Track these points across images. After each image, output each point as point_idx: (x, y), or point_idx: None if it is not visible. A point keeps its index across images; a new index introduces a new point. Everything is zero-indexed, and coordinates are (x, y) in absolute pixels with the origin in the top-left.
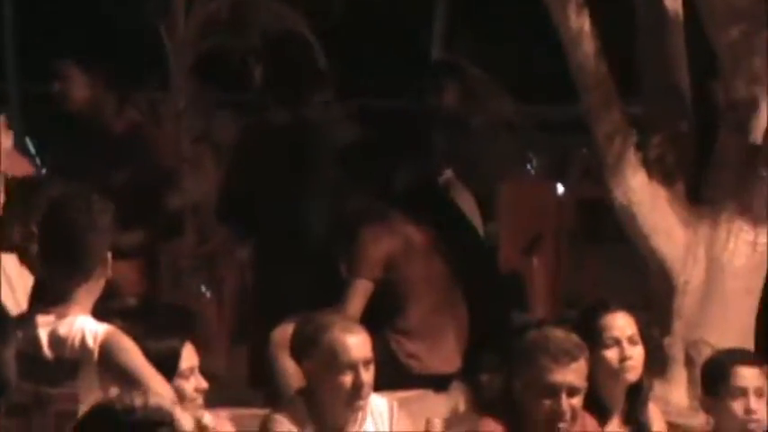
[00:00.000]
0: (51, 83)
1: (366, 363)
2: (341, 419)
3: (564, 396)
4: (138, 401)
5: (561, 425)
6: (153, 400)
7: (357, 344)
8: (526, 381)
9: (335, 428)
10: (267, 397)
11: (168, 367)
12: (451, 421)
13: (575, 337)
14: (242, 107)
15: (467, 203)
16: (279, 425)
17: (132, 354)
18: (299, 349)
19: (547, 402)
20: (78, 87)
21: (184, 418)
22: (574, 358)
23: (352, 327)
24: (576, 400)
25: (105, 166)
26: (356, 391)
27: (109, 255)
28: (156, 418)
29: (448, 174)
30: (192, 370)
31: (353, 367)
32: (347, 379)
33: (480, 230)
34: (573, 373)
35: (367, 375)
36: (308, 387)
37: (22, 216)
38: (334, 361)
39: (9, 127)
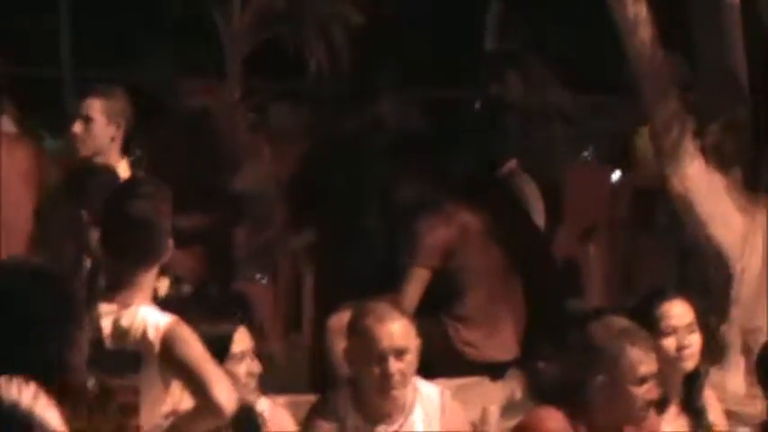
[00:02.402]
0: (106, 69)
1: (399, 352)
2: (381, 408)
3: (649, 385)
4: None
5: (642, 413)
6: (9, 398)
7: (388, 333)
8: (614, 373)
9: (380, 416)
10: (323, 383)
11: (220, 351)
12: (508, 409)
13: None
14: (299, 96)
15: (530, 193)
16: (318, 421)
17: (193, 346)
18: (347, 335)
19: (639, 392)
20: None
21: (50, 418)
22: (652, 348)
23: (389, 315)
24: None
25: (168, 152)
26: (386, 381)
27: (170, 242)
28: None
29: (512, 163)
30: (244, 354)
31: (382, 357)
32: (376, 368)
33: (541, 220)
34: (654, 364)
35: (400, 365)
36: (352, 374)
37: (74, 202)
38: (365, 349)
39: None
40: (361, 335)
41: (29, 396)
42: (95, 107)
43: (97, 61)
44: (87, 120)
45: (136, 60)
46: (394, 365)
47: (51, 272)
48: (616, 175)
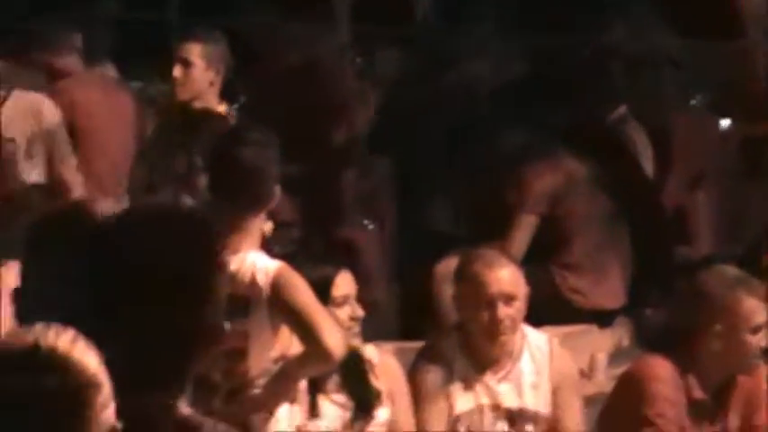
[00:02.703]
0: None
1: (507, 298)
2: (489, 354)
3: (762, 333)
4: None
5: (754, 361)
6: (46, 343)
7: (497, 279)
8: (730, 322)
9: (488, 362)
10: (431, 329)
11: (322, 295)
12: (615, 356)
13: None
14: (405, 42)
15: (639, 140)
16: (427, 367)
17: (302, 292)
18: (454, 282)
19: (754, 341)
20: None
21: (88, 362)
22: (765, 297)
23: (497, 261)
24: None
25: (275, 98)
26: (495, 326)
27: (277, 188)
28: (42, 363)
29: (621, 110)
30: (345, 298)
31: (491, 302)
32: (485, 314)
33: (650, 167)
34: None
35: (507, 310)
36: (460, 320)
37: (186, 147)
38: (474, 295)
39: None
40: (469, 280)
41: (66, 341)
42: (194, 51)
43: (204, 6)
44: (186, 63)
45: (242, 6)
46: (503, 311)
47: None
48: (725, 122)
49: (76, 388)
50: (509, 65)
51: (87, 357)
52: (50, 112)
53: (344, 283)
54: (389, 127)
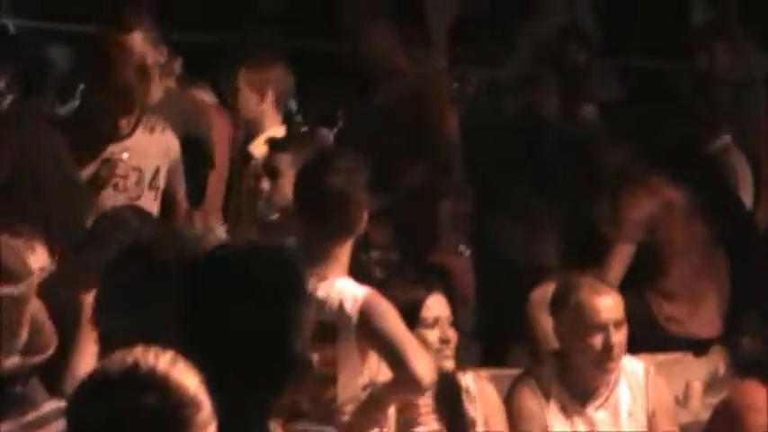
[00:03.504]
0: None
1: (617, 324)
2: (592, 381)
3: None
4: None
5: None
6: (146, 364)
7: (608, 305)
8: None
9: (587, 390)
10: (526, 357)
11: (411, 316)
12: (711, 385)
13: None
14: (500, 64)
15: (741, 169)
16: (524, 394)
17: (391, 319)
18: (553, 310)
19: None
20: (381, 40)
21: (187, 382)
22: None
23: (603, 288)
24: None
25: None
26: (606, 353)
27: (366, 214)
28: (142, 383)
29: (726, 138)
30: (436, 320)
31: (603, 328)
32: (597, 340)
33: (749, 194)
34: None
35: (618, 337)
36: (561, 348)
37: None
38: (584, 322)
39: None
40: (576, 308)
41: (166, 361)
42: (241, 76)
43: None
44: (235, 90)
45: (340, 31)
46: (615, 337)
47: (283, 254)
48: None
49: (177, 407)
50: (608, 87)
51: (187, 378)
52: (176, 146)
53: (436, 305)
54: (482, 152)
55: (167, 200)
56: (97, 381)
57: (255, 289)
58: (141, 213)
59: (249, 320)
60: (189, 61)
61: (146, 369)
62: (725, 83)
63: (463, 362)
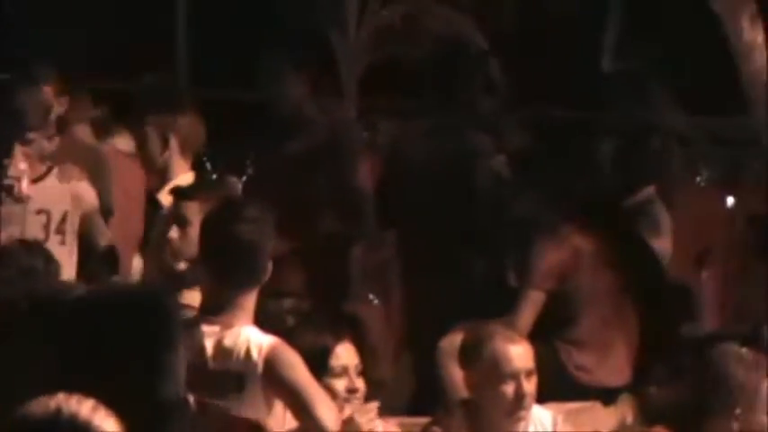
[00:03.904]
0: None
1: (528, 373)
2: (502, 431)
3: None
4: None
5: None
6: (68, 410)
7: (519, 354)
8: (752, 406)
9: None
10: (435, 406)
11: (320, 364)
12: None
13: None
14: (411, 114)
15: (663, 220)
16: None
17: (297, 368)
18: (464, 358)
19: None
20: (294, 89)
21: (107, 428)
22: None
23: (515, 337)
24: None
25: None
26: (518, 402)
27: (270, 264)
28: (65, 429)
29: (649, 190)
30: (345, 369)
31: (515, 377)
32: (509, 389)
33: (669, 246)
34: None
35: (529, 386)
36: (471, 397)
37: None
38: (496, 371)
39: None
40: (490, 358)
41: (88, 408)
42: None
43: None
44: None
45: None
46: (526, 386)
47: (147, 297)
48: (730, 200)
49: None
50: (518, 137)
51: (107, 424)
52: (91, 196)
53: (344, 354)
54: (395, 200)
55: (86, 247)
56: (18, 426)
57: (113, 335)
58: (32, 250)
59: (107, 367)
60: (116, 109)
61: (67, 415)
62: (629, 133)
63: (386, 411)
